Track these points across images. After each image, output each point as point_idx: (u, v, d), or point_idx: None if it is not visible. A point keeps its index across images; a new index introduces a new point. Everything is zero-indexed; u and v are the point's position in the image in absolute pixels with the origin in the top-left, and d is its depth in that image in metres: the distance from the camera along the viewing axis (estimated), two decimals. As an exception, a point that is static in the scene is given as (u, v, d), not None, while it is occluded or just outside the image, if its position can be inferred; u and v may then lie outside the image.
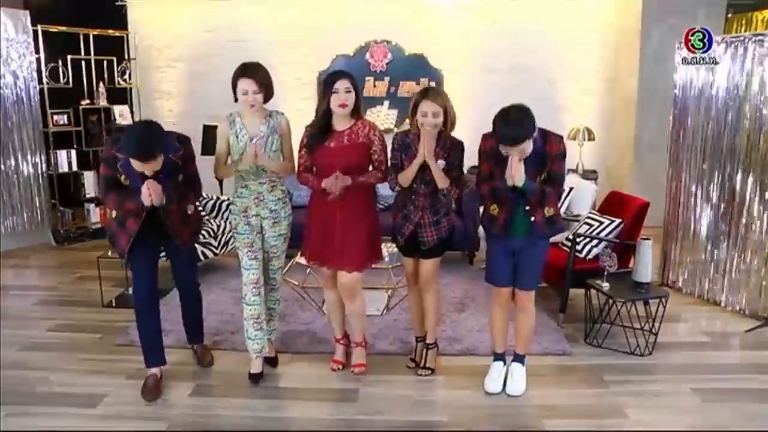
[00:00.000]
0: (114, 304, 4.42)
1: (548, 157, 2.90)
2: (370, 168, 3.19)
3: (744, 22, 5.86)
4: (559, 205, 3.22)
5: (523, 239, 3.02)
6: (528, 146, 2.80)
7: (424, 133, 3.00)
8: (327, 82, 3.08)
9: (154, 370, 3.21)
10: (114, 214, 3.10)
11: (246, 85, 3.00)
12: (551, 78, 6.66)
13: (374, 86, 6.63)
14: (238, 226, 3.20)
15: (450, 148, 3.08)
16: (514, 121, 2.74)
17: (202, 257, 4.73)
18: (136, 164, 2.82)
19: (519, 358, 3.26)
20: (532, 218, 2.96)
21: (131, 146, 2.78)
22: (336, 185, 3.02)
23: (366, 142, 3.12)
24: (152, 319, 3.19)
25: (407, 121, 3.28)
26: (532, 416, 3.00)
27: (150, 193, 2.83)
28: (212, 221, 5.08)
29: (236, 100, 3.08)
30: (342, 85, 3.03)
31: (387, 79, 6.63)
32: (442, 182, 3.06)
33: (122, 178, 2.95)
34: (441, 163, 3.05)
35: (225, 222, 5.09)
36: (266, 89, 3.06)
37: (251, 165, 3.07)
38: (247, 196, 3.18)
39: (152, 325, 3.19)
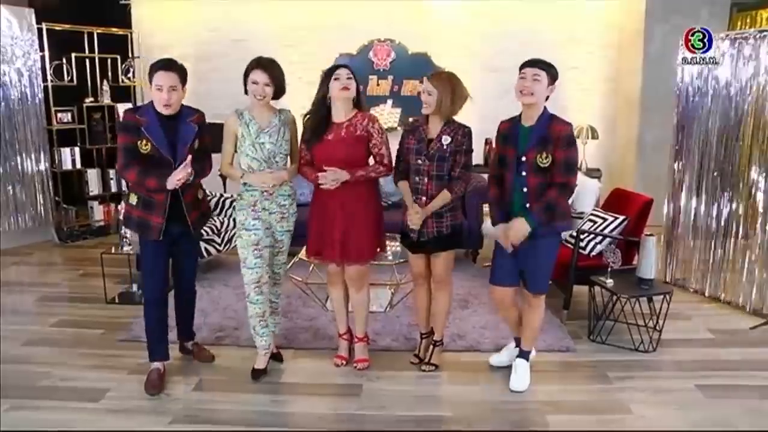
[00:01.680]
0: (117, 301, 4.42)
1: (551, 140, 2.86)
2: (371, 161, 3.18)
3: (748, 20, 5.84)
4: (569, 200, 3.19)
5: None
6: (539, 85, 2.86)
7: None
8: (327, 73, 3.09)
9: (158, 365, 3.21)
10: (135, 199, 3.06)
11: (258, 76, 3.00)
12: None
13: (377, 85, 6.63)
14: (245, 222, 3.14)
15: (455, 130, 3.08)
16: (538, 58, 2.94)
17: (205, 254, 4.73)
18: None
19: (523, 354, 3.25)
20: (527, 204, 2.94)
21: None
22: (328, 180, 3.02)
23: (364, 134, 3.10)
24: (161, 311, 3.19)
25: (411, 120, 3.29)
26: (535, 412, 2.99)
27: (182, 176, 2.88)
28: (215, 218, 5.08)
29: (246, 92, 3.06)
30: (344, 72, 3.05)
31: (390, 77, 6.63)
32: (443, 201, 3.10)
33: (143, 143, 2.94)
34: (446, 138, 3.05)
35: (228, 219, 5.09)
36: (277, 84, 3.05)
37: (260, 164, 3.09)
38: (256, 190, 3.12)
39: (161, 318, 3.19)
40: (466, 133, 3.09)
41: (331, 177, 3.02)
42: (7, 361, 3.45)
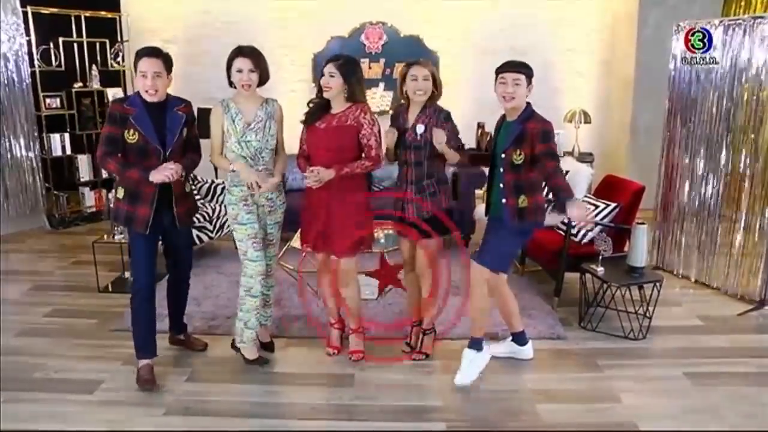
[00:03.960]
0: (110, 289, 4.42)
1: (526, 137, 2.87)
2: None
3: (743, 4, 5.81)
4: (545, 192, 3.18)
5: (498, 218, 3.05)
6: (520, 89, 2.87)
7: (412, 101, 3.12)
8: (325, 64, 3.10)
9: (146, 360, 3.18)
10: (122, 193, 3.04)
11: (241, 64, 2.98)
12: (548, 60, 6.59)
13: (369, 68, 6.57)
14: (238, 216, 3.13)
15: (430, 116, 3.09)
16: (513, 60, 2.96)
17: (197, 241, 4.72)
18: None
19: (472, 343, 3.11)
20: (503, 200, 2.98)
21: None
22: (310, 180, 3.03)
23: (354, 125, 3.09)
24: (151, 306, 3.15)
25: (402, 102, 3.29)
26: (526, 400, 3.03)
27: (172, 173, 2.89)
28: (207, 205, 5.06)
29: (230, 84, 3.05)
30: (327, 69, 3.06)
31: (382, 60, 6.59)
32: (452, 157, 3.08)
33: (130, 134, 2.93)
34: (420, 127, 3.08)
35: (220, 206, 5.08)
36: (261, 71, 3.03)
37: (248, 154, 3.08)
38: (245, 185, 3.11)
39: (150, 314, 3.15)
40: (447, 119, 3.10)
41: (313, 177, 3.02)
42: (1, 352, 3.45)
